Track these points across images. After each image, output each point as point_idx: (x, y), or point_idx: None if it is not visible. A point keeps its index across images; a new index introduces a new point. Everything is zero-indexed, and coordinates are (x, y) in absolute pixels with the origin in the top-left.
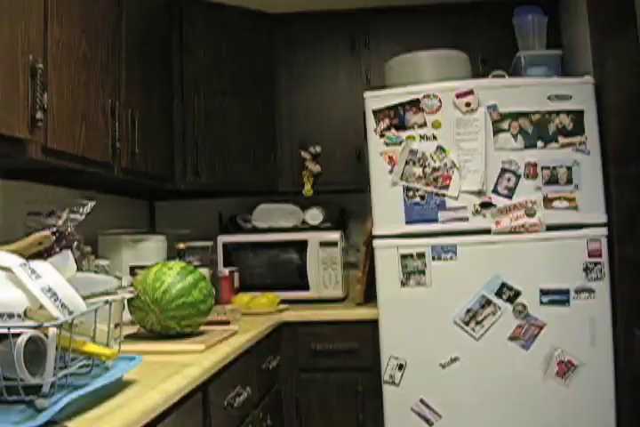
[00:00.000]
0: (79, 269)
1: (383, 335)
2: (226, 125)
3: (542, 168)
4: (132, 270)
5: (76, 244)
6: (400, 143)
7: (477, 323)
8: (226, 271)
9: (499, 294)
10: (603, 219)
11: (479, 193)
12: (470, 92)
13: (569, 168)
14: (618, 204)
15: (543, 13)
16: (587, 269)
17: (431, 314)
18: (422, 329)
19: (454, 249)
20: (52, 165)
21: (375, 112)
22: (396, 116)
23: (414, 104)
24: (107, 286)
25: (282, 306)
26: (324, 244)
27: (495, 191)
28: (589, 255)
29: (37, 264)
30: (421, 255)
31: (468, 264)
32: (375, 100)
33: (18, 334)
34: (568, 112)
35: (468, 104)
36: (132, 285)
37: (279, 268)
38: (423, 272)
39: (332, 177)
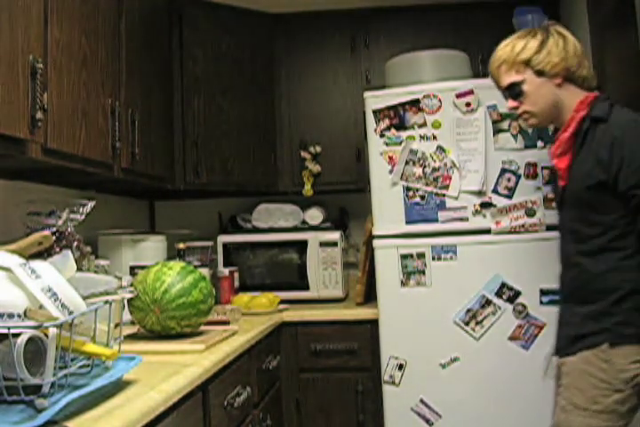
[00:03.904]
0: (79, 269)
1: (383, 335)
2: (226, 125)
3: (542, 168)
4: (132, 270)
5: (75, 244)
6: (400, 143)
7: (477, 323)
8: (226, 271)
9: (499, 293)
10: None
11: (479, 193)
12: (470, 92)
13: None
14: None
15: (543, 13)
16: None
17: (431, 314)
18: (422, 329)
19: (454, 249)
20: (52, 165)
21: (375, 112)
22: (396, 116)
23: (414, 104)
24: (107, 286)
25: (282, 306)
26: (323, 244)
27: (495, 191)
28: None
29: (37, 264)
30: (421, 255)
31: (468, 264)
32: (375, 100)
33: (18, 334)
34: None
35: (467, 104)
36: (132, 285)
37: (279, 268)
38: (423, 272)
39: (332, 177)
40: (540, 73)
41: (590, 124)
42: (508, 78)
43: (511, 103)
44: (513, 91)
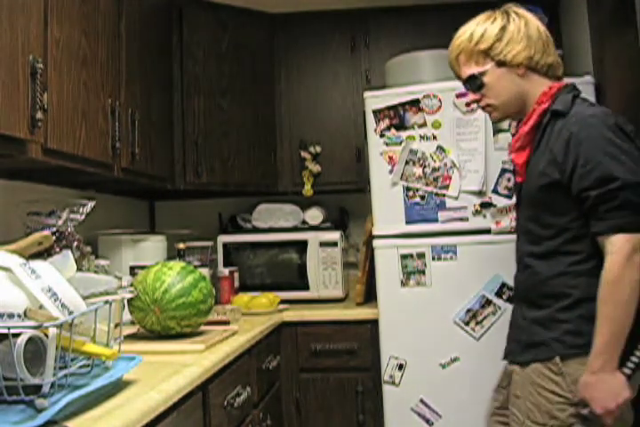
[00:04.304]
0: (79, 269)
1: (383, 335)
2: (226, 125)
3: None
4: (132, 270)
5: (75, 244)
6: (400, 143)
7: (477, 323)
8: (226, 271)
9: (499, 293)
10: None
11: (479, 193)
12: None
13: None
14: None
15: (543, 13)
16: None
17: (431, 314)
18: (422, 329)
19: (454, 249)
20: (52, 165)
21: (375, 112)
22: (396, 116)
23: (414, 104)
24: (107, 286)
25: (282, 306)
26: (324, 244)
27: (495, 191)
28: None
29: (37, 264)
30: (421, 255)
31: (467, 264)
32: (375, 100)
33: (18, 334)
34: None
35: (468, 104)
36: (132, 285)
37: (279, 268)
38: (423, 272)
39: (331, 177)
40: (501, 63)
41: (550, 118)
42: (468, 70)
43: (472, 96)
44: (473, 83)
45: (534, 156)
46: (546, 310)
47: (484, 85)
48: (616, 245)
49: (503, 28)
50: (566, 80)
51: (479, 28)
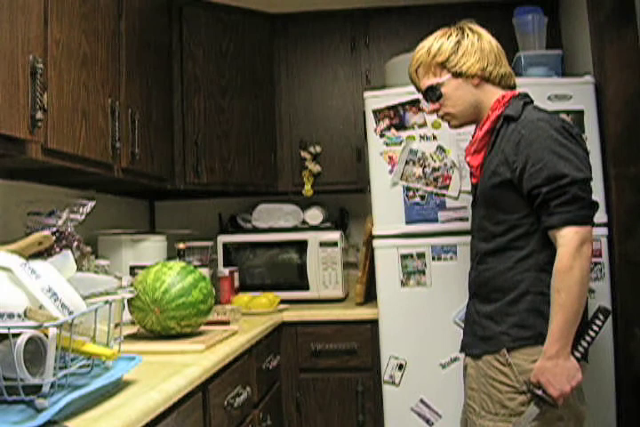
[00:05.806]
0: (79, 269)
1: (383, 335)
2: (226, 125)
3: None
4: (132, 270)
5: (75, 244)
6: (400, 143)
7: None
8: (226, 271)
9: None
10: (603, 219)
11: None
12: None
13: None
14: (618, 204)
15: (543, 13)
16: None
17: (431, 314)
18: (422, 329)
19: (454, 249)
20: (52, 165)
21: (375, 112)
22: (396, 116)
23: (414, 104)
24: (107, 285)
25: (282, 306)
26: (324, 244)
27: None
28: None
29: (37, 264)
30: (421, 255)
31: (468, 264)
32: (375, 99)
33: (18, 334)
34: (568, 112)
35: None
36: (131, 285)
37: (279, 268)
38: (423, 272)
39: (331, 177)
40: (457, 74)
41: (502, 123)
42: (427, 81)
43: (431, 106)
44: (432, 94)
45: (488, 158)
46: (495, 304)
47: (442, 95)
48: (566, 238)
49: (458, 43)
50: (566, 80)
51: (436, 43)
